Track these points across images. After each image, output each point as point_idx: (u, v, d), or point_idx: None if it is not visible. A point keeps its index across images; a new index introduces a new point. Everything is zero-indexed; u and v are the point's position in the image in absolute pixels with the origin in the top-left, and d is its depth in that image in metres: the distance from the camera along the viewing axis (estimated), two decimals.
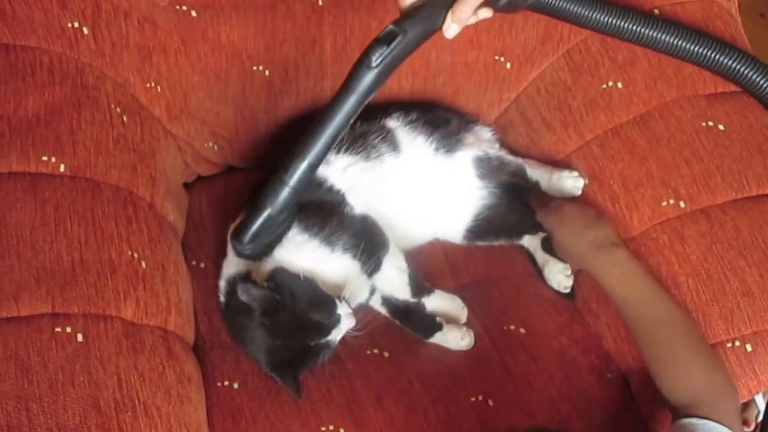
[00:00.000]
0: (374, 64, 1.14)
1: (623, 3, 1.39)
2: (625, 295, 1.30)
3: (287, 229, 1.32)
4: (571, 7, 1.35)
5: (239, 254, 1.31)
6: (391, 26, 1.15)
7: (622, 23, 1.35)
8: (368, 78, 1.15)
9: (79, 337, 1.09)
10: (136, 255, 1.21)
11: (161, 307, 1.22)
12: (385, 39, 1.15)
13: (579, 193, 1.46)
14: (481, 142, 1.55)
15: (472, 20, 1.19)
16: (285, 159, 1.22)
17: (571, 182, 1.47)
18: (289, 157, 1.21)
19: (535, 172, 1.51)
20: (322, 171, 1.37)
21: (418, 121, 1.49)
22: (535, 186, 1.50)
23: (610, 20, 1.36)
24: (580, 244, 1.38)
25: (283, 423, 1.25)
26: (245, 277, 1.26)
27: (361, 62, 1.14)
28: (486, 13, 1.22)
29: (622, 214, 1.42)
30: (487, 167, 1.51)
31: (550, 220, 1.46)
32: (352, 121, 1.19)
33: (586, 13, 1.35)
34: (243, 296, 1.20)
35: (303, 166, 1.21)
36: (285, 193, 1.22)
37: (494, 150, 1.55)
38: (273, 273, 1.27)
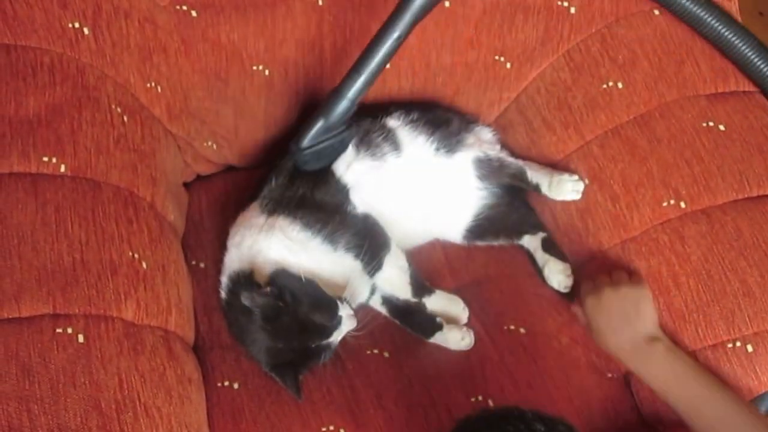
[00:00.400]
0: None
1: None
2: (678, 392, 1.22)
3: (343, 146, 1.38)
4: None
5: (298, 164, 1.38)
6: None
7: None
8: None
9: (80, 338, 1.09)
10: (136, 255, 1.21)
11: (162, 308, 1.22)
12: None
13: (579, 197, 1.45)
14: (482, 143, 1.55)
15: None
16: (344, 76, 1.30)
17: (571, 185, 1.46)
18: (346, 74, 1.30)
19: (536, 175, 1.50)
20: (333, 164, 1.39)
21: (418, 121, 1.49)
22: (535, 189, 1.50)
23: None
24: (618, 341, 1.30)
25: (284, 423, 1.25)
26: (249, 283, 1.26)
27: None
28: None
29: (623, 214, 1.41)
30: (488, 168, 1.51)
31: (589, 304, 1.35)
32: (403, 41, 1.27)
33: None
34: (247, 302, 1.20)
35: (359, 79, 1.30)
36: (340, 103, 1.31)
37: (495, 151, 1.54)
38: (274, 275, 1.27)
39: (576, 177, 1.46)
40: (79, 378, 1.06)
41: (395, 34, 1.27)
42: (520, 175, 1.52)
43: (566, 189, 1.46)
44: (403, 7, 1.25)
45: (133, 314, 1.17)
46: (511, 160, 1.53)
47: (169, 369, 1.17)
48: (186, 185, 1.58)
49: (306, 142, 1.34)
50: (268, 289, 1.22)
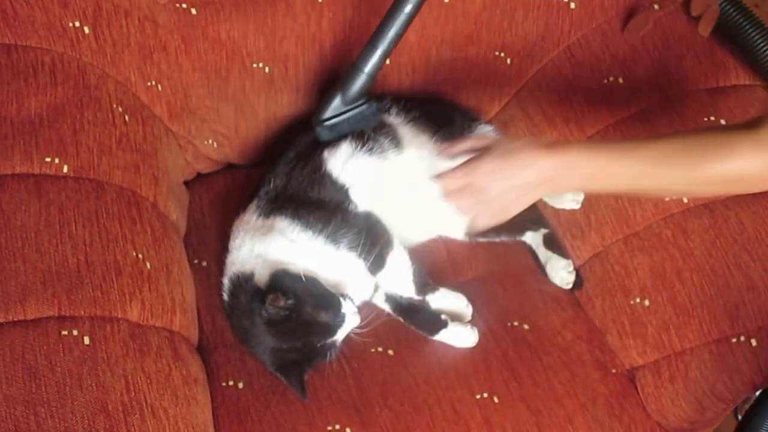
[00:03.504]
0: None
1: None
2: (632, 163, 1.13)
3: (363, 118, 1.40)
4: None
5: (319, 137, 1.40)
6: None
7: None
8: None
9: (86, 340, 1.09)
10: (140, 256, 1.21)
11: (167, 308, 1.21)
12: None
13: (578, 206, 1.46)
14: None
15: None
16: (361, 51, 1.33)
17: (572, 194, 1.46)
18: (363, 49, 1.33)
19: None
20: (330, 157, 1.38)
21: (420, 119, 1.49)
22: None
23: None
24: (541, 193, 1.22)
25: (289, 423, 1.23)
26: (254, 289, 1.25)
27: None
28: None
29: (625, 210, 1.42)
30: None
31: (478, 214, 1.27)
32: (416, 14, 1.29)
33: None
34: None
35: (376, 53, 1.33)
36: (358, 77, 1.35)
37: None
38: (274, 275, 1.26)
39: None
40: (86, 380, 1.05)
41: (407, 8, 1.30)
42: None
43: (566, 198, 1.46)
44: None
45: (138, 315, 1.16)
46: None
47: (174, 370, 1.16)
48: (187, 183, 1.57)
49: (325, 114, 1.38)
50: (282, 301, 1.21)
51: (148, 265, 1.21)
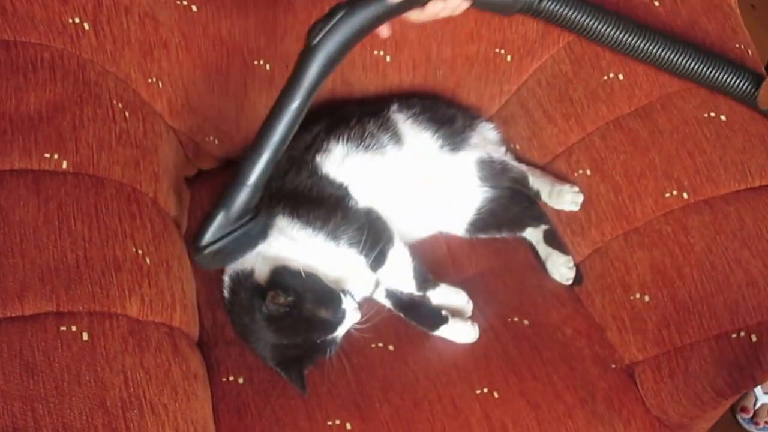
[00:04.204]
0: (314, 42, 1.06)
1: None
2: None
3: (251, 239, 1.21)
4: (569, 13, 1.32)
5: (200, 265, 1.22)
6: (338, 4, 1.06)
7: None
8: (311, 59, 1.07)
9: (85, 336, 1.07)
10: (140, 251, 1.19)
11: (166, 304, 1.19)
12: (327, 14, 1.06)
13: (577, 209, 1.44)
14: (487, 143, 1.53)
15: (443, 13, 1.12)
16: (240, 161, 1.15)
17: (571, 197, 1.44)
18: (243, 157, 1.15)
19: (537, 182, 1.49)
20: (323, 161, 1.36)
21: (422, 116, 1.48)
22: (535, 195, 1.49)
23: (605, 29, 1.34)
24: None
25: (289, 418, 1.23)
26: (255, 288, 1.24)
27: (305, 43, 1.07)
28: (462, 4, 1.15)
29: (625, 206, 1.40)
30: (490, 171, 1.50)
31: None
32: (305, 109, 1.12)
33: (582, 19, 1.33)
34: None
35: (260, 160, 1.13)
36: (242, 191, 1.14)
37: (499, 153, 1.53)
38: (274, 272, 1.25)
39: (576, 189, 1.44)
40: (84, 376, 1.03)
41: (294, 105, 1.11)
42: (522, 180, 1.50)
43: (566, 200, 1.45)
44: (293, 75, 1.10)
45: (138, 311, 1.14)
46: (514, 164, 1.52)
47: (174, 365, 1.14)
48: (188, 180, 1.55)
49: (207, 238, 1.16)
50: (283, 298, 1.20)
51: (148, 261, 1.19)
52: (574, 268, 1.44)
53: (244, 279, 1.28)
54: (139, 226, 1.22)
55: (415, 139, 1.45)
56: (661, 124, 1.40)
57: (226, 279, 1.32)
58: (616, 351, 1.37)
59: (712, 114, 1.38)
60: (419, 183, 1.45)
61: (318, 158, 1.37)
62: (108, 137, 1.25)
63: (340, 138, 1.40)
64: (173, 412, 1.09)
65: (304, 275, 1.23)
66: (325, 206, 1.33)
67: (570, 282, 1.45)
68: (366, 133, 1.41)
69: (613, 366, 1.36)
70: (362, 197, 1.38)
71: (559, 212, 1.49)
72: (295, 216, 1.31)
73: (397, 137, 1.44)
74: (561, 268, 1.45)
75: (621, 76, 1.47)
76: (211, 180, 1.58)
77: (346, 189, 1.37)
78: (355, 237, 1.32)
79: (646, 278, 1.35)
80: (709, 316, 1.26)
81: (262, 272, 1.27)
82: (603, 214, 1.43)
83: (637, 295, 1.35)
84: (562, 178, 1.50)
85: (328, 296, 1.24)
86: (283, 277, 1.24)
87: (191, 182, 1.56)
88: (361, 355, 1.31)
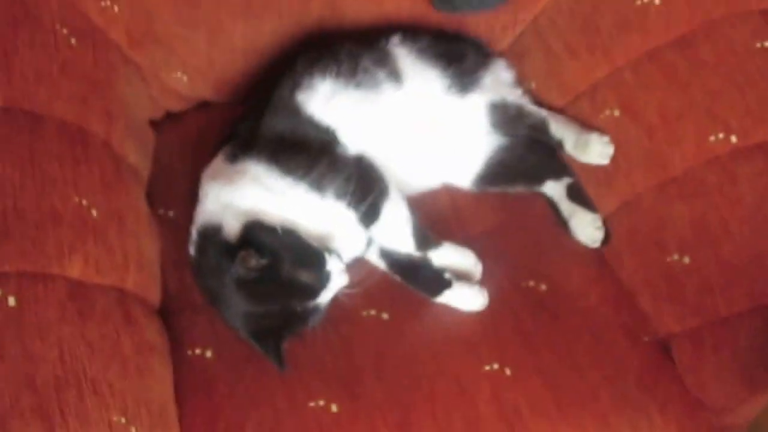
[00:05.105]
0: None
1: None
2: None
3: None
4: None
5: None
6: None
7: None
8: None
9: (11, 301, 1.00)
10: (85, 202, 1.13)
11: (117, 264, 1.14)
12: None
13: (606, 162, 1.37)
14: (500, 85, 1.47)
15: None
16: None
17: (599, 148, 1.37)
18: None
19: (560, 129, 1.42)
20: (306, 101, 1.30)
21: (427, 51, 1.41)
22: (558, 145, 1.43)
23: None
24: None
25: (265, 397, 1.17)
26: (242, 251, 1.15)
27: None
28: None
29: (661, 151, 1.32)
30: (503, 116, 1.44)
31: None
32: None
33: None
34: (241, 271, 1.13)
35: None
36: None
37: (514, 96, 1.46)
38: (246, 228, 1.18)
39: (606, 139, 1.37)
40: (9, 349, 0.96)
41: None
42: (542, 128, 1.44)
43: (593, 152, 1.38)
44: None
45: (80, 271, 1.08)
46: (532, 108, 1.45)
47: (124, 336, 1.08)
48: (154, 124, 1.49)
49: None
50: (255, 259, 1.13)
51: (95, 213, 1.13)
52: (603, 228, 1.37)
53: (211, 235, 1.21)
54: (84, 173, 1.15)
55: (418, 77, 1.39)
56: (704, 56, 1.32)
57: (194, 233, 1.25)
58: (649, 321, 1.31)
59: (766, 44, 1.29)
60: (420, 128, 1.39)
61: (300, 97, 1.30)
62: (48, 67, 1.18)
63: (328, 73, 1.32)
64: (120, 391, 1.03)
65: (281, 232, 1.17)
66: (308, 152, 1.26)
67: (598, 244, 1.37)
68: (359, 69, 1.34)
69: (646, 339, 1.30)
70: (352, 143, 1.31)
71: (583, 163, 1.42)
72: (273, 163, 1.24)
73: (396, 74, 1.37)
74: (587, 229, 1.37)
75: (657, 1, 1.36)
76: (181, 124, 1.52)
77: (333, 133, 1.30)
78: (343, 187, 1.25)
79: (686, 236, 1.28)
80: (762, 280, 1.18)
81: (232, 228, 1.19)
82: (634, 162, 1.36)
83: (675, 256, 1.28)
84: (585, 120, 1.43)
85: (310, 256, 1.18)
86: (256, 234, 1.17)
87: (158, 126, 1.50)
88: (350, 325, 1.26)
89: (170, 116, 1.55)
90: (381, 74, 1.35)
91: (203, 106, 1.57)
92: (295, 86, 1.31)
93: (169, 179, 1.43)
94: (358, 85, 1.32)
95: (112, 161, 1.22)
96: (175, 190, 1.41)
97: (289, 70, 1.34)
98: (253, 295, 1.16)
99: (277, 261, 1.14)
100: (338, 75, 1.32)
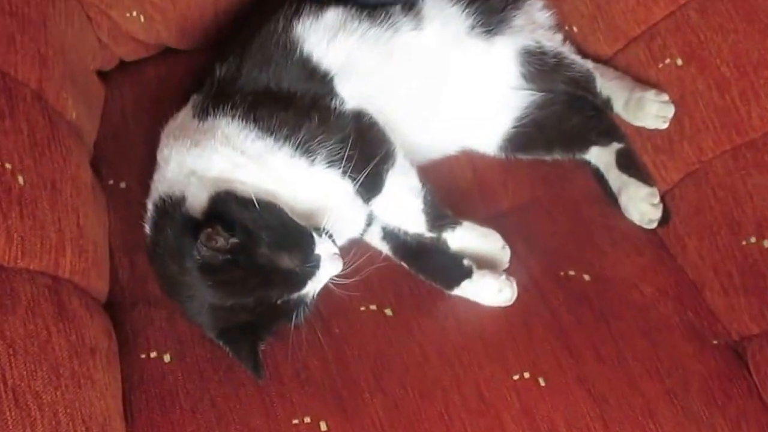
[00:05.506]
0: None
1: None
2: None
3: None
4: None
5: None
6: None
7: None
8: None
9: None
10: (8, 166, 1.10)
11: (49, 244, 1.11)
12: None
13: (665, 125, 1.36)
14: (535, 28, 1.46)
15: None
16: None
17: (657, 108, 1.35)
18: None
19: (608, 86, 1.41)
20: (307, 33, 1.29)
21: None
22: (605, 105, 1.42)
23: None
24: None
25: (236, 413, 1.14)
26: (208, 228, 1.12)
27: None
28: None
29: (735, 109, 1.30)
30: (538, 65, 1.42)
31: None
32: None
33: None
34: (205, 253, 1.10)
35: None
36: None
37: (552, 42, 1.45)
38: (214, 200, 1.16)
39: (666, 97, 1.36)
40: None
41: None
42: (585, 82, 1.43)
43: (649, 112, 1.36)
44: None
45: (1, 253, 1.06)
46: (574, 58, 1.45)
47: (57, 335, 1.05)
48: (104, 75, 1.49)
49: None
50: (223, 238, 1.10)
51: (21, 180, 1.10)
52: (661, 205, 1.36)
53: (171, 209, 1.19)
54: (8, 130, 1.13)
55: (438, 16, 1.38)
56: None
57: (151, 207, 1.23)
58: (719, 320, 1.30)
59: None
60: (437, 78, 1.39)
61: (300, 28, 1.29)
62: None
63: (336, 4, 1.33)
64: (51, 404, 0.99)
65: (257, 205, 1.14)
66: (295, 106, 1.24)
67: (654, 225, 1.37)
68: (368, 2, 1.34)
69: (715, 342, 1.28)
70: (352, 94, 1.29)
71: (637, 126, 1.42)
72: (250, 119, 1.22)
73: (415, 12, 1.37)
74: (641, 205, 1.36)
75: None
76: (137, 74, 1.52)
77: (329, 82, 1.29)
78: (337, 151, 1.23)
79: (766, 214, 1.27)
80: None
81: (197, 199, 1.17)
82: (702, 122, 1.34)
83: (752, 239, 1.27)
84: (639, 73, 1.40)
85: (294, 236, 1.16)
86: (226, 208, 1.14)
87: (109, 77, 1.51)
88: (344, 324, 1.25)
89: (124, 66, 1.55)
90: (397, 13, 1.35)
91: (164, 53, 1.57)
92: (297, 13, 1.30)
93: (121, 142, 1.42)
94: (370, 19, 1.32)
95: (44, 117, 1.20)
96: (128, 156, 1.40)
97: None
98: (222, 284, 1.14)
99: (252, 241, 1.12)
100: (346, 10, 1.32)
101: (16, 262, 1.06)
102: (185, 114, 1.28)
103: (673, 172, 1.38)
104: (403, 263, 1.31)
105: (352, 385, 1.19)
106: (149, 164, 1.29)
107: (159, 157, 1.27)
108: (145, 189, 1.27)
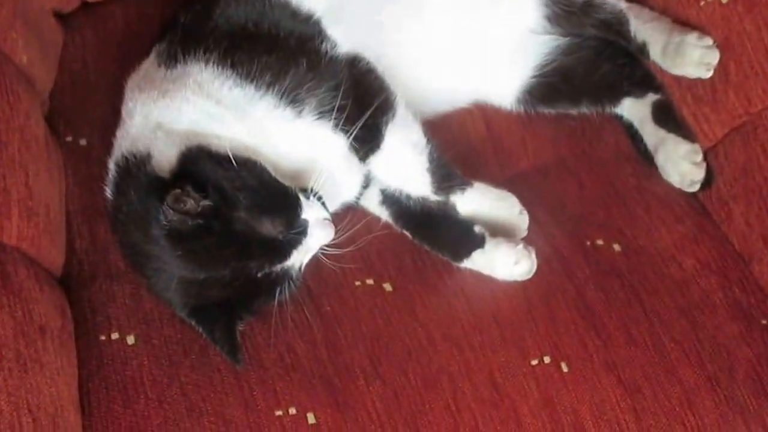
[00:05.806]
0: None
1: None
2: None
3: None
4: None
5: None
6: None
7: None
8: None
9: None
10: None
11: None
12: None
13: (709, 74, 1.34)
14: None
15: None
16: None
17: (699, 54, 1.34)
18: None
19: (644, 29, 1.41)
20: None
21: None
22: (640, 51, 1.41)
23: None
24: None
25: (211, 403, 1.12)
26: (176, 189, 1.10)
27: None
28: None
29: None
30: (564, 6, 1.43)
31: None
32: None
33: None
34: (173, 217, 1.08)
35: None
36: None
37: None
38: (185, 156, 1.14)
39: (709, 41, 1.35)
40: None
41: None
42: (618, 25, 1.43)
43: (690, 59, 1.35)
44: None
45: None
46: None
47: (1, 311, 1.06)
48: (64, 17, 1.48)
49: None
50: (193, 200, 1.08)
51: None
52: (704, 164, 1.36)
53: (135, 167, 1.16)
54: None
55: None
56: None
57: (112, 167, 1.22)
58: None
59: None
60: (445, 19, 1.38)
61: None
62: None
63: None
64: None
65: (234, 162, 1.12)
66: (279, 49, 1.23)
67: (696, 188, 1.37)
68: None
69: (764, 322, 1.27)
70: (346, 37, 1.29)
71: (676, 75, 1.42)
72: (226, 65, 1.20)
73: None
74: (681, 164, 1.36)
75: None
76: (101, 16, 1.51)
77: (317, 23, 1.28)
78: (328, 101, 1.22)
79: None
80: None
81: (164, 156, 1.15)
82: (749, 69, 1.33)
83: None
84: (679, 13, 1.39)
85: (277, 199, 1.14)
86: (198, 165, 1.12)
87: (69, 19, 1.50)
88: (335, 301, 1.24)
89: (87, 6, 1.54)
90: None
91: None
92: None
93: (81, 93, 1.42)
94: None
95: None
96: (90, 110, 1.39)
97: None
98: (193, 254, 1.12)
99: (227, 204, 1.10)
100: None
101: None
102: (149, 64, 1.27)
103: (717, 127, 1.37)
104: (405, 231, 1.30)
105: (344, 371, 1.18)
106: (113, 119, 1.27)
107: (123, 112, 1.25)
108: (109, 147, 1.25)
